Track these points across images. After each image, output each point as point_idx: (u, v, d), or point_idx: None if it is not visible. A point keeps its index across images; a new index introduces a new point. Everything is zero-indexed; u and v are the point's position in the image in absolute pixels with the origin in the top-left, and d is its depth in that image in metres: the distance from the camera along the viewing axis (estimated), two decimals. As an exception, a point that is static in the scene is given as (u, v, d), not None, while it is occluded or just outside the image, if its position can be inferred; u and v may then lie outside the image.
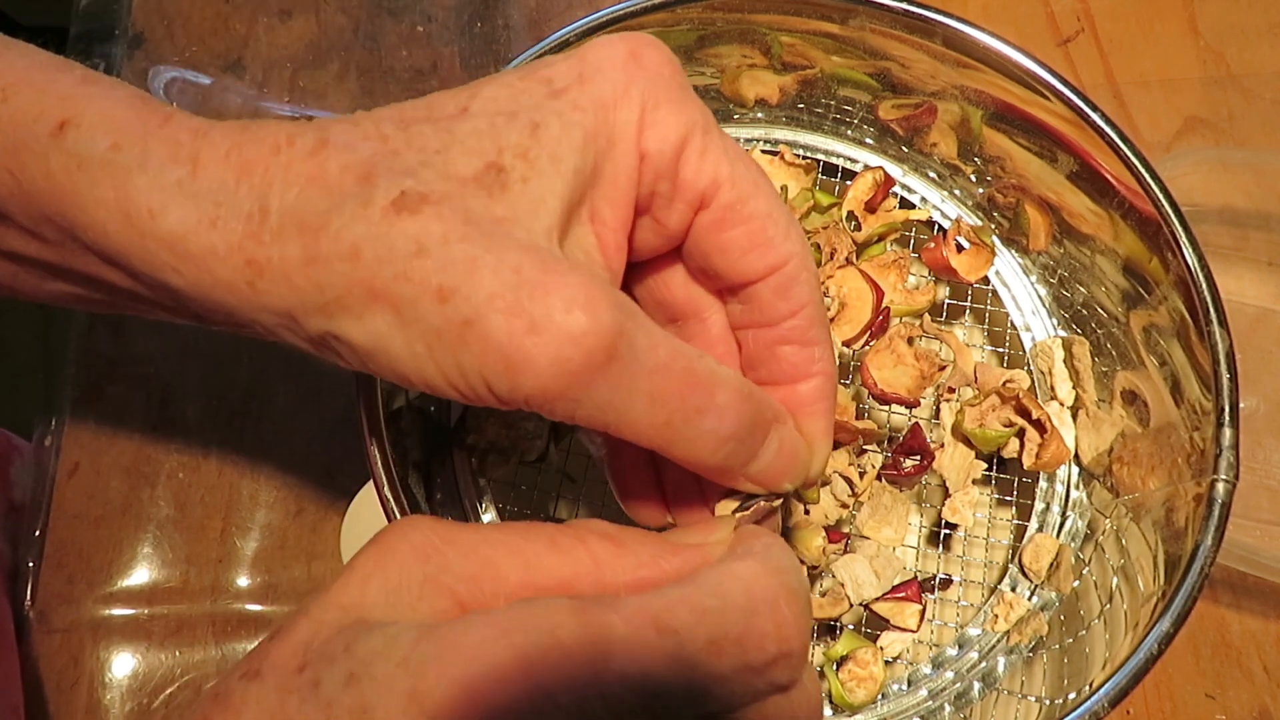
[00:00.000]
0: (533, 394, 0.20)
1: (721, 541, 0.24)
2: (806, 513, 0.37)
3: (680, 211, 0.24)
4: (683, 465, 0.23)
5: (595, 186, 0.23)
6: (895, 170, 0.43)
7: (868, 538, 0.37)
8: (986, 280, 0.42)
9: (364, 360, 0.22)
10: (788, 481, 0.25)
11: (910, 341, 0.38)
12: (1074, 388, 0.40)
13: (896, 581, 0.36)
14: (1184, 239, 0.34)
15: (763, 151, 0.43)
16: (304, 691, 0.19)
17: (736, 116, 0.44)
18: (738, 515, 0.26)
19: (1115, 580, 0.35)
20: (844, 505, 0.37)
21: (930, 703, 0.36)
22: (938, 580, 0.38)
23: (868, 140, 0.44)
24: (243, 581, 0.41)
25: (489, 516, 0.37)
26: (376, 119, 0.22)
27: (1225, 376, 0.32)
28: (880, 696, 0.35)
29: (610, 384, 0.20)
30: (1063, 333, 0.41)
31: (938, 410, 0.39)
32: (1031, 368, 0.40)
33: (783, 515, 0.37)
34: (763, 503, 0.26)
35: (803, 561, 0.36)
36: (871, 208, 0.41)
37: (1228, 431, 0.32)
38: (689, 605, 0.20)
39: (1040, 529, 0.38)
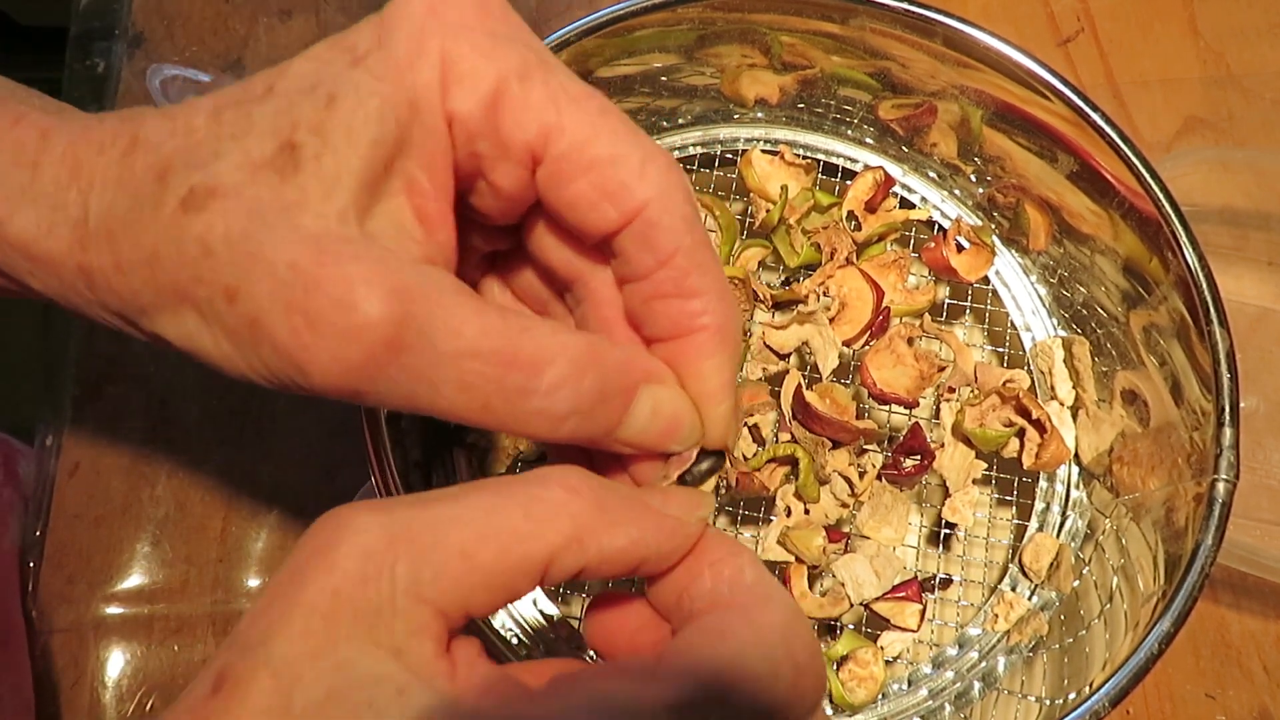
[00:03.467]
0: (328, 389, 0.20)
1: (703, 520, 0.23)
2: (806, 512, 0.37)
3: (512, 172, 0.22)
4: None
5: (405, 156, 0.21)
6: (895, 170, 0.43)
7: (868, 537, 0.37)
8: (986, 280, 0.42)
9: (194, 357, 0.21)
10: (674, 444, 0.24)
11: (910, 341, 0.38)
12: (1074, 388, 0.40)
13: (896, 581, 0.36)
14: (1184, 239, 0.34)
15: (762, 151, 0.43)
16: None
17: (736, 116, 0.44)
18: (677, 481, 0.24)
19: (1115, 580, 0.35)
20: (844, 505, 0.37)
21: (930, 702, 0.36)
22: (938, 580, 0.38)
23: (868, 140, 0.44)
24: (243, 581, 0.41)
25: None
26: (192, 109, 0.21)
27: (1225, 376, 0.32)
28: (880, 696, 0.35)
29: (406, 375, 0.20)
30: (1063, 333, 0.41)
31: (938, 410, 0.39)
32: (1031, 368, 0.40)
33: (768, 507, 0.37)
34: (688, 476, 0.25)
35: (802, 561, 0.36)
36: (871, 208, 0.41)
37: (1228, 431, 0.32)
38: (741, 674, 0.19)
39: (1040, 529, 0.38)
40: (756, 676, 0.19)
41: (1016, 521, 0.40)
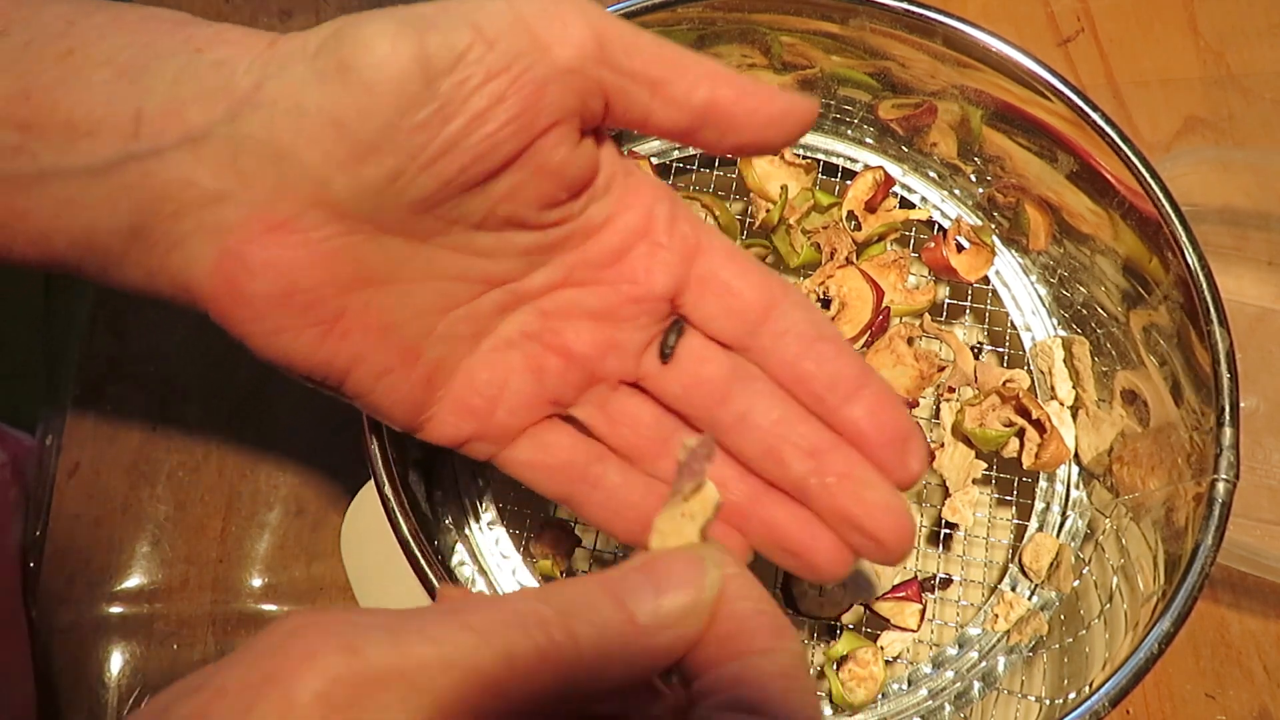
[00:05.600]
0: (576, 42, 0.23)
1: (710, 586, 0.20)
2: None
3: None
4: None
5: None
6: (895, 170, 0.43)
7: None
8: (986, 280, 0.42)
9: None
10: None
11: (910, 341, 0.38)
12: (1074, 387, 0.40)
13: (897, 581, 0.36)
14: (1184, 239, 0.34)
15: (763, 151, 0.43)
16: None
17: (736, 116, 0.44)
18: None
19: (1115, 580, 0.35)
20: (844, 505, 0.37)
21: (930, 702, 0.36)
22: (938, 580, 0.38)
23: (868, 140, 0.44)
24: (243, 581, 0.41)
25: (489, 516, 0.37)
26: None
27: (1225, 376, 0.32)
28: (880, 696, 0.35)
29: (613, 75, 0.24)
30: (1063, 332, 0.41)
31: (938, 410, 0.39)
32: (1031, 368, 0.40)
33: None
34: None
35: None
36: (871, 207, 0.41)
37: (1228, 431, 0.32)
38: None
39: (1040, 529, 0.38)
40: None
41: (1016, 521, 0.40)
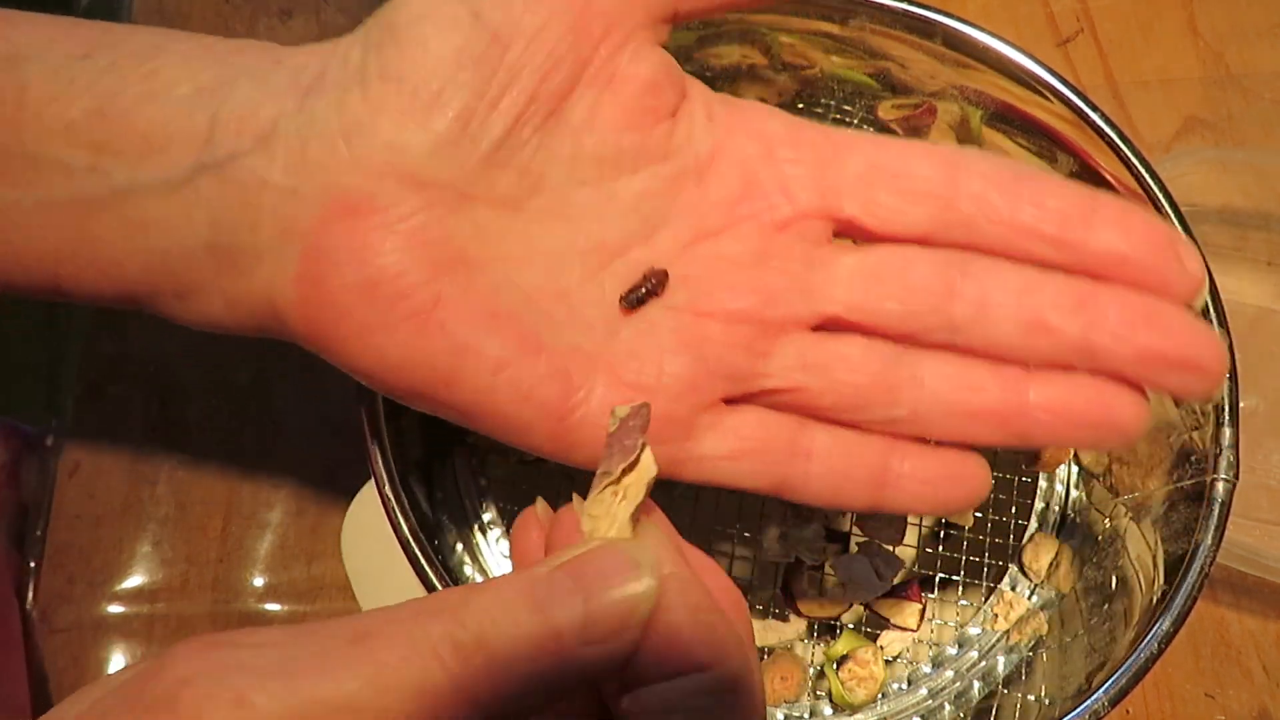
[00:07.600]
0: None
1: (641, 596, 0.18)
2: (806, 512, 0.37)
3: None
4: None
5: None
6: (895, 170, 0.43)
7: (868, 538, 0.37)
8: (986, 280, 0.42)
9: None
10: None
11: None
12: (1074, 387, 0.39)
13: (896, 581, 0.37)
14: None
15: (763, 151, 0.43)
16: None
17: (736, 116, 0.44)
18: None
19: (1115, 580, 0.35)
20: (844, 505, 0.37)
21: (930, 702, 0.36)
22: (938, 580, 0.38)
23: (868, 140, 0.44)
24: (243, 581, 0.41)
25: (489, 515, 0.37)
26: None
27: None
28: (880, 695, 0.35)
29: None
30: (1063, 332, 0.41)
31: (938, 410, 0.39)
32: (1031, 367, 0.40)
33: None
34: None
35: (802, 560, 0.36)
36: (871, 208, 0.41)
37: (1228, 431, 0.32)
38: None
39: (1040, 529, 0.38)
40: None
41: (1017, 521, 0.40)
